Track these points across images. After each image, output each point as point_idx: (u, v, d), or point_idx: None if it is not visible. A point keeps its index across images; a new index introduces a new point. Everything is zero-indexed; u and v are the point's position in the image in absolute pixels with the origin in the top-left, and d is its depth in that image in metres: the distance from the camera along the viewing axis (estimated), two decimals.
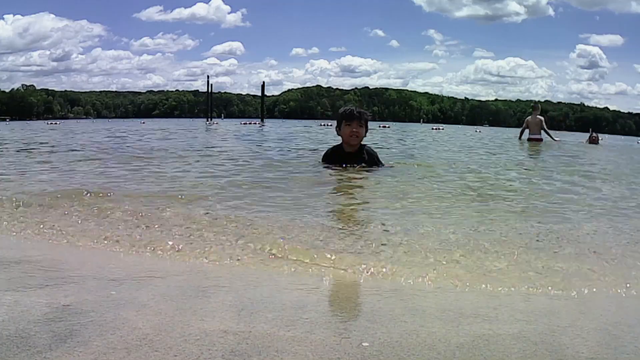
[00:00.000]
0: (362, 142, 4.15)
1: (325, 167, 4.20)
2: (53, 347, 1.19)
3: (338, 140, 4.24)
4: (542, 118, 11.91)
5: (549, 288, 1.72)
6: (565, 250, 2.20)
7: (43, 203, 2.97)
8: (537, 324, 1.41)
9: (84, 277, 1.72)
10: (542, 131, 11.78)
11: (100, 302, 1.48)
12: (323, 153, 4.47)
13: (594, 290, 1.72)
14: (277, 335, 1.29)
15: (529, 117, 12.19)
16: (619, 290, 1.73)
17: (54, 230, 2.38)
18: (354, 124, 3.94)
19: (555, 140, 11.97)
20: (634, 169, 7.17)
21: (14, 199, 3.04)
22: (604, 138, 14.95)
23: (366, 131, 4.05)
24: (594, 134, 14.90)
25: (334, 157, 4.18)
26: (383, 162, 4.25)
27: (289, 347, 1.22)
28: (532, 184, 4.61)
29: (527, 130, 12.14)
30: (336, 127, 4.12)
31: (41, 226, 2.45)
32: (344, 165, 4.05)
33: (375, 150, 4.42)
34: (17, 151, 7.50)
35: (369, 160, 4.10)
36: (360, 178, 3.87)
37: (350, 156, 4.06)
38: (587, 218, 3.00)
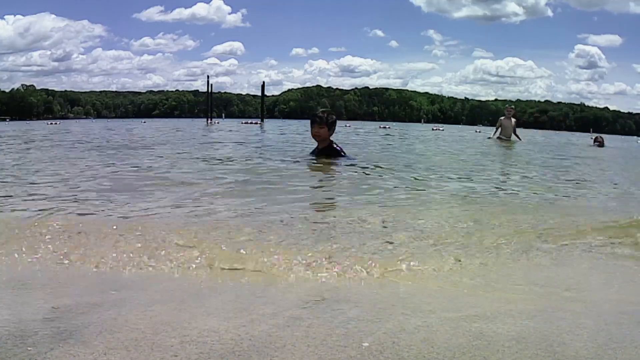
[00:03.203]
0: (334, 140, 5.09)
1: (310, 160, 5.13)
2: (53, 347, 1.19)
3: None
4: (515, 120, 12.26)
5: (549, 288, 1.72)
6: (564, 248, 2.20)
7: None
8: (537, 324, 1.41)
9: (84, 278, 1.72)
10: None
11: (100, 302, 1.48)
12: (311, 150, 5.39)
13: (594, 289, 1.73)
14: (277, 335, 1.29)
15: (502, 117, 12.36)
16: (618, 290, 1.73)
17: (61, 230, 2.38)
18: (315, 126, 4.84)
19: (519, 139, 12.33)
20: None
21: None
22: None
23: (330, 131, 4.89)
24: (600, 136, 15.02)
25: (315, 152, 5.18)
26: (347, 154, 5.15)
27: (289, 347, 1.22)
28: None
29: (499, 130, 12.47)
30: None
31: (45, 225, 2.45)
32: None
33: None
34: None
35: (336, 153, 5.03)
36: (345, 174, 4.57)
37: (322, 151, 5.02)
38: (587, 215, 3.00)
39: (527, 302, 1.59)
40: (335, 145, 4.99)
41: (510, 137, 12.11)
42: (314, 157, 5.08)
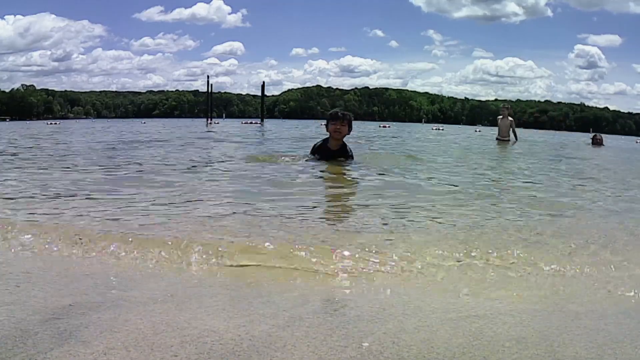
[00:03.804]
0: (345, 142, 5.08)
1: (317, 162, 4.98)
2: (53, 347, 1.19)
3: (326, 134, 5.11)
4: (511, 119, 12.20)
5: (549, 288, 1.72)
6: (564, 248, 2.20)
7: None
8: (537, 324, 1.41)
9: (84, 277, 1.72)
10: (511, 130, 12.15)
11: (100, 302, 1.48)
12: (312, 146, 5.26)
13: (594, 290, 1.73)
14: (277, 335, 1.29)
15: (499, 117, 12.28)
16: (619, 291, 1.73)
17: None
18: (337, 123, 4.83)
19: (515, 139, 12.26)
20: None
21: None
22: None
23: (350, 130, 4.96)
24: (599, 135, 14.38)
25: (322, 151, 5.05)
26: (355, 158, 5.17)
27: (289, 347, 1.22)
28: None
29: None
30: (325, 125, 5.07)
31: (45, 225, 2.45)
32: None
33: None
34: None
35: (347, 156, 5.04)
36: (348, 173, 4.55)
37: (335, 153, 4.98)
38: (588, 217, 3.00)
39: (527, 302, 1.59)
40: (347, 148, 5.03)
41: (508, 137, 12.03)
42: (319, 157, 5.00)
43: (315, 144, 5.24)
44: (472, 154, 9.00)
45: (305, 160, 5.15)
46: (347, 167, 4.79)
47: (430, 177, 4.95)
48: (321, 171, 4.67)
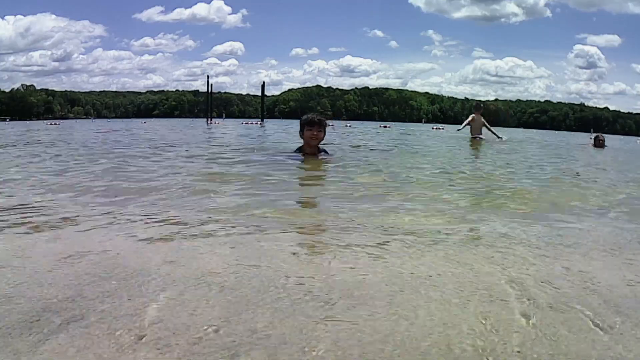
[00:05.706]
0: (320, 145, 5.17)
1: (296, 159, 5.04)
2: (53, 346, 1.19)
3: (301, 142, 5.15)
4: (483, 120, 11.99)
5: (548, 288, 1.72)
6: (563, 249, 2.20)
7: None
8: (538, 325, 1.41)
9: (84, 274, 1.72)
10: (485, 129, 12.01)
11: (100, 300, 1.49)
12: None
13: (594, 289, 1.73)
14: (275, 333, 1.29)
15: (474, 115, 11.97)
16: (619, 293, 1.74)
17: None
18: (314, 129, 4.90)
19: (498, 137, 12.06)
20: None
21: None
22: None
23: (324, 135, 5.05)
24: (601, 136, 13.03)
25: (301, 152, 5.12)
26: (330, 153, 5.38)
27: (289, 345, 1.23)
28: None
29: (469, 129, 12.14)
30: (299, 132, 5.05)
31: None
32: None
33: None
34: None
35: (322, 151, 5.16)
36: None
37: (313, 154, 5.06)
38: (583, 219, 3.00)
39: (527, 303, 1.59)
40: (324, 150, 5.22)
41: (481, 134, 11.83)
42: (301, 158, 5.14)
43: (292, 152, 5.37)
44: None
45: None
46: (327, 164, 4.91)
47: (427, 177, 4.96)
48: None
